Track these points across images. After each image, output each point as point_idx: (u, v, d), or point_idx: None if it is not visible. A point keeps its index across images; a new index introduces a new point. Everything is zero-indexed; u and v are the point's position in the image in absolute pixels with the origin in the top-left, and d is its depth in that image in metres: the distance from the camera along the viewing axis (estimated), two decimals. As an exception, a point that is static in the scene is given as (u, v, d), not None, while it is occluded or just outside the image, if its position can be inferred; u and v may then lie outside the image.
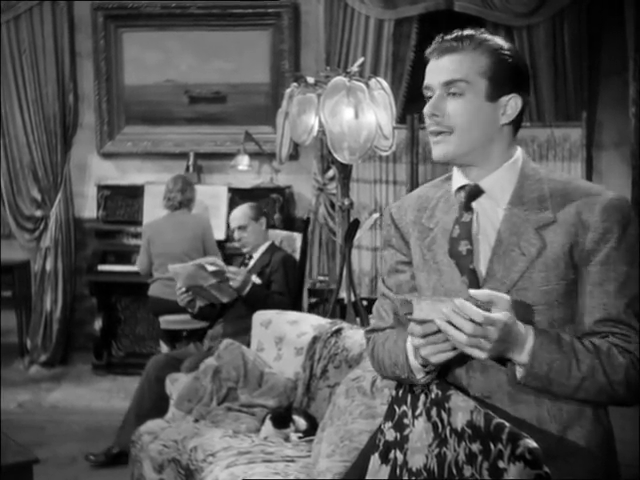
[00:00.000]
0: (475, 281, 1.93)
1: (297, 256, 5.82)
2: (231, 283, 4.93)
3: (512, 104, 1.95)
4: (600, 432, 1.94)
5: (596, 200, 1.89)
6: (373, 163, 6.54)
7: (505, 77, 1.93)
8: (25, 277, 7.40)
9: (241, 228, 5.28)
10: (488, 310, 1.77)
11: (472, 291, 1.79)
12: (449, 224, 1.99)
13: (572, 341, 1.86)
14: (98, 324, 6.99)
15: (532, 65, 6.67)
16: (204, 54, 7.27)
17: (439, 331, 1.80)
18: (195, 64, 7.30)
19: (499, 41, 1.96)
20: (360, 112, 4.70)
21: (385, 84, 4.92)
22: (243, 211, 5.36)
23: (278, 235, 5.98)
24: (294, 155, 6.59)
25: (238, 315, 4.96)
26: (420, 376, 1.96)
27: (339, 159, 4.82)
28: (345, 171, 5.14)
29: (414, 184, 6.09)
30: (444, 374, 2.00)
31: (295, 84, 5.03)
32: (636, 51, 6.29)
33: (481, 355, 1.78)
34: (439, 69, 1.94)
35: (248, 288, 4.94)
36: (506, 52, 1.94)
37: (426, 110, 1.96)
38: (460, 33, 1.95)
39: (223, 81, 7.30)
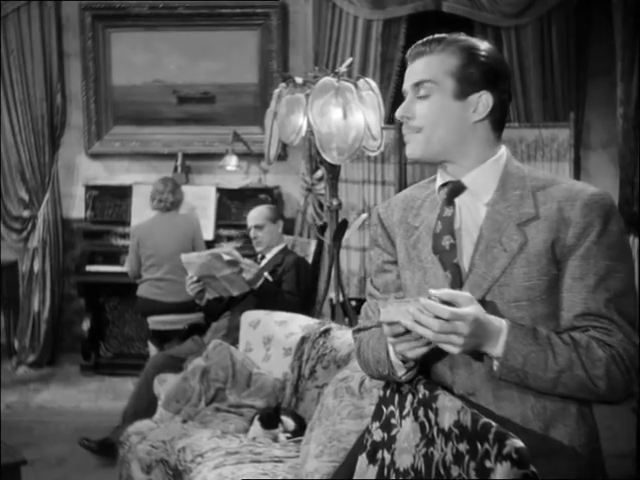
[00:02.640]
0: (458, 276, 1.95)
1: (310, 260, 5.84)
2: (244, 275, 4.93)
3: (483, 101, 1.96)
4: (584, 431, 1.93)
5: (577, 196, 1.90)
6: (361, 163, 6.55)
7: (474, 75, 1.95)
8: (13, 278, 7.38)
9: (257, 227, 5.35)
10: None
11: (433, 291, 1.80)
12: (433, 222, 2.01)
13: (548, 334, 1.86)
14: (86, 325, 6.98)
15: (520, 66, 6.70)
16: (192, 54, 7.26)
17: (408, 331, 1.82)
18: (183, 64, 7.29)
19: (474, 41, 1.99)
20: (348, 112, 4.70)
21: (374, 84, 4.92)
22: (261, 211, 5.45)
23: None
24: (282, 155, 6.59)
25: (246, 310, 4.93)
26: (401, 372, 1.98)
27: (327, 159, 4.82)
28: (333, 171, 5.15)
29: (402, 184, 6.10)
30: (427, 372, 2.01)
31: (283, 84, 5.03)
32: (624, 52, 6.31)
33: (454, 350, 1.79)
34: (411, 73, 2.01)
35: (260, 282, 4.95)
36: (479, 51, 1.96)
37: (397, 113, 2.01)
38: (431, 37, 2.00)
39: (211, 81, 7.29)
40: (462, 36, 2.00)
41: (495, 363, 1.85)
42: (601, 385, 1.84)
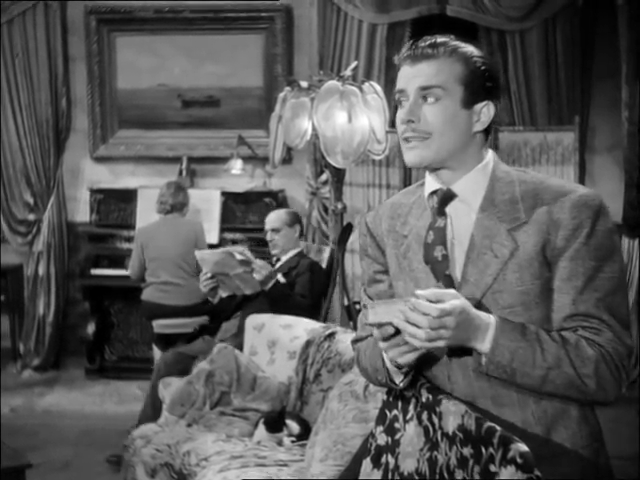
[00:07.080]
0: (451, 287, 1.93)
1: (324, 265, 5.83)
2: (255, 275, 4.92)
3: (485, 111, 1.97)
4: (586, 432, 1.92)
5: (566, 198, 1.89)
6: (366, 167, 6.56)
7: (479, 84, 1.95)
8: (18, 281, 7.38)
9: (274, 230, 5.34)
10: None
11: (419, 291, 1.79)
12: (422, 230, 2.01)
13: (537, 331, 1.86)
14: (91, 328, 6.98)
15: (524, 69, 6.70)
16: (197, 58, 7.27)
17: (397, 333, 1.81)
18: (188, 68, 7.30)
19: (471, 48, 1.98)
20: (353, 116, 4.71)
21: (378, 88, 4.93)
22: (279, 215, 5.45)
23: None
24: (287, 159, 6.59)
25: (257, 310, 4.91)
26: (399, 379, 1.97)
27: (332, 163, 4.83)
28: (338, 175, 5.15)
29: (407, 188, 6.09)
30: (426, 377, 2.00)
31: (288, 88, 5.03)
32: (629, 55, 6.31)
33: (442, 344, 1.79)
34: (414, 74, 1.94)
35: (271, 283, 4.94)
36: (479, 59, 1.96)
37: (402, 116, 1.96)
38: (434, 40, 1.95)
39: (216, 85, 7.30)
40: (460, 42, 1.98)
41: (483, 359, 1.85)
42: (590, 384, 1.84)
